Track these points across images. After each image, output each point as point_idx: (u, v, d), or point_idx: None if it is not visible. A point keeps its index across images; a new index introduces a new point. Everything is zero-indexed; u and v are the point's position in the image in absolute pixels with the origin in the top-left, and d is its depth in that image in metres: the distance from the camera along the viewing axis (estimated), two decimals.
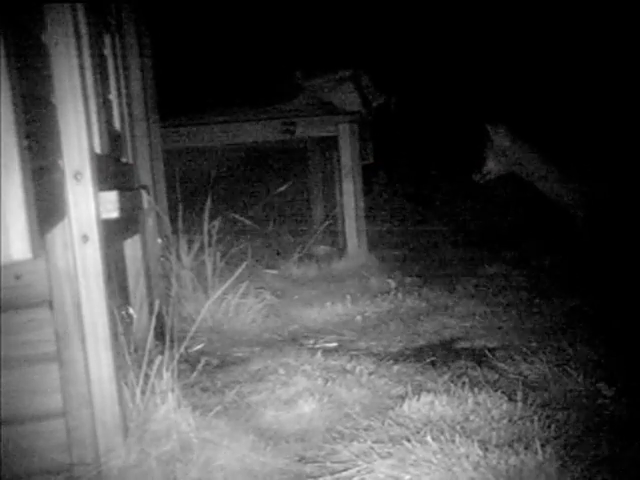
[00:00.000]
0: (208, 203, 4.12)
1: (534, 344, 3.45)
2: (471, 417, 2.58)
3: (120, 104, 3.31)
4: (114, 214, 2.34)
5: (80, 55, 2.22)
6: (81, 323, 2.17)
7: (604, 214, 5.01)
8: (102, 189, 2.29)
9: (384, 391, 3.00)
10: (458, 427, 2.48)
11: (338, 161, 6.02)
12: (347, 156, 5.80)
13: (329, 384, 3.01)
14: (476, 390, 2.79)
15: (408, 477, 2.19)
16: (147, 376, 2.45)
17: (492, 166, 5.48)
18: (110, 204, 2.32)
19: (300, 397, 2.88)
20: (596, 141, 5.70)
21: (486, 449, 2.26)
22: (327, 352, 3.51)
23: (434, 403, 2.70)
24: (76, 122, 2.15)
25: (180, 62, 7.05)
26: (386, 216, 8.01)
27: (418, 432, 2.45)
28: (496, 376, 3.13)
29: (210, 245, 4.15)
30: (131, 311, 2.90)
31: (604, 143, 5.50)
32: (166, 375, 2.47)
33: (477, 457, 2.21)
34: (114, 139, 3.07)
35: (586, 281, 4.53)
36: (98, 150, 2.54)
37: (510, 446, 2.29)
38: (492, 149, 5.42)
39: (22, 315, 2.14)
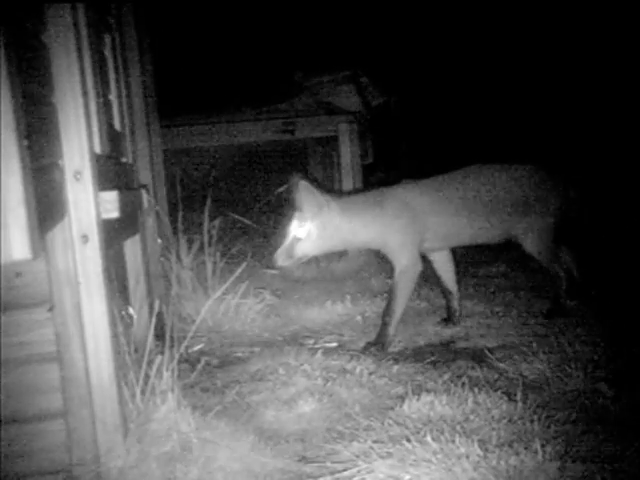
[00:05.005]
0: (208, 203, 4.12)
1: (534, 344, 3.45)
2: (471, 417, 2.58)
3: (120, 104, 3.30)
4: (114, 214, 2.34)
5: (80, 55, 2.21)
6: (81, 323, 2.17)
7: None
8: (102, 189, 2.28)
9: (384, 391, 3.00)
10: (458, 427, 2.48)
11: (338, 161, 6.02)
12: (347, 156, 5.80)
13: (329, 384, 3.02)
14: (476, 390, 2.79)
15: (408, 477, 2.19)
16: (147, 376, 2.45)
17: None
18: (110, 204, 2.31)
19: (300, 397, 2.88)
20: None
21: (486, 449, 2.26)
22: (327, 352, 3.50)
23: (434, 403, 2.70)
24: (76, 122, 2.15)
25: (180, 62, 7.05)
26: None
27: (418, 432, 2.45)
28: (496, 376, 3.13)
29: (210, 245, 4.15)
30: (131, 311, 2.90)
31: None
32: (166, 375, 2.47)
33: (477, 457, 2.21)
34: (114, 139, 3.07)
35: (586, 281, 4.52)
36: (98, 150, 2.54)
37: (510, 446, 2.29)
38: None
39: (22, 315, 2.13)
